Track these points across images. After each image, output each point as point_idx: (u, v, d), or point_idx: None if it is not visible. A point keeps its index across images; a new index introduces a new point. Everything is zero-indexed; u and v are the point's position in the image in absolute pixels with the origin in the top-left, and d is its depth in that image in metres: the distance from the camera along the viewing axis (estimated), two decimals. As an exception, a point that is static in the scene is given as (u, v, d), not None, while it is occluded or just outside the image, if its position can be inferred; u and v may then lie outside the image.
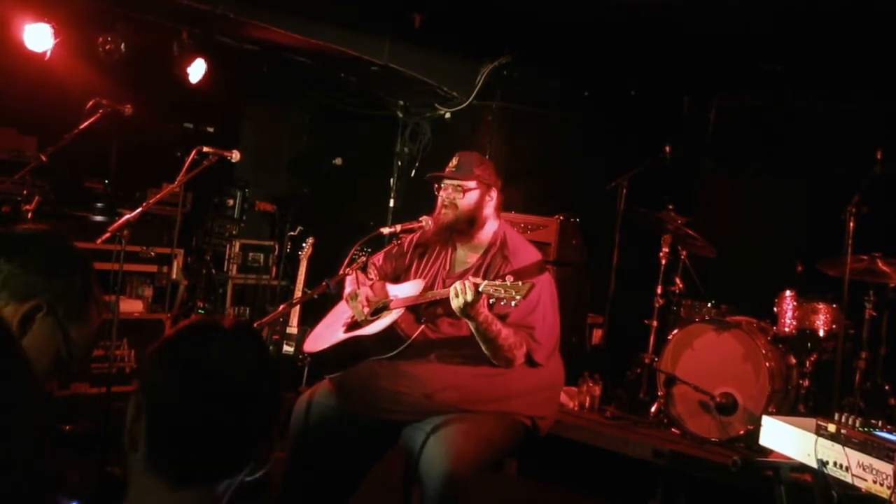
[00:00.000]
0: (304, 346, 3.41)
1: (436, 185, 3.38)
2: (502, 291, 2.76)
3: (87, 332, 1.60)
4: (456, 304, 2.86)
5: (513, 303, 2.77)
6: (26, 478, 0.87)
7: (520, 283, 2.76)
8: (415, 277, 3.38)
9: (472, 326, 2.97)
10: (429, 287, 3.26)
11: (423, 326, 3.13)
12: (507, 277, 2.82)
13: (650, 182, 5.35)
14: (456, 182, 3.28)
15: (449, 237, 3.32)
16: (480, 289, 2.82)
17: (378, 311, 3.25)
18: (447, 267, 3.34)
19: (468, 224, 3.28)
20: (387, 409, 3.11)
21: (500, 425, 3.11)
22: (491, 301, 2.89)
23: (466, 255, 3.34)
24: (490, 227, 3.32)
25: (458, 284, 2.86)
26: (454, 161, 3.34)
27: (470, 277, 2.90)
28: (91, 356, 4.55)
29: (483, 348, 3.03)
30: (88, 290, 1.61)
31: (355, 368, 3.19)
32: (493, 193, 3.32)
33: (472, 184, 3.27)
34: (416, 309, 3.17)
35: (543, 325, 3.16)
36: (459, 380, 3.10)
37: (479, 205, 3.28)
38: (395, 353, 3.11)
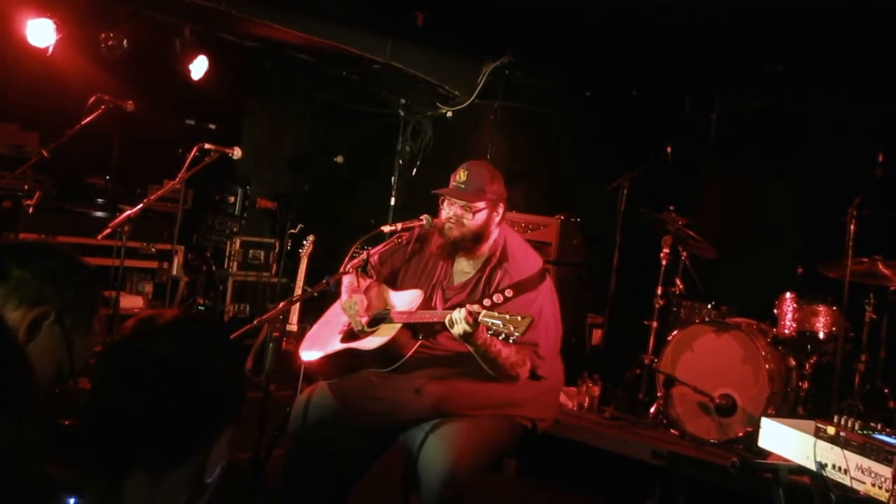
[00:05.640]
0: (299, 349, 3.38)
1: (440, 197, 3.25)
2: (501, 325, 2.70)
3: (89, 347, 1.63)
4: (454, 331, 2.84)
5: (511, 339, 2.71)
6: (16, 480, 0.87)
7: (519, 317, 2.69)
8: (412, 280, 3.33)
9: (471, 350, 2.94)
10: (428, 297, 3.21)
11: (420, 342, 3.10)
12: (507, 291, 2.80)
13: (651, 182, 5.34)
14: (465, 202, 3.15)
15: (453, 252, 3.23)
16: (479, 319, 2.77)
17: (376, 320, 3.21)
18: (446, 277, 3.28)
19: (474, 241, 3.18)
20: (386, 418, 3.10)
21: (500, 426, 3.11)
22: (490, 332, 2.82)
23: (466, 266, 3.27)
24: (492, 238, 3.23)
25: (455, 314, 2.81)
26: (462, 175, 3.15)
27: (468, 307, 2.82)
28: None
29: (485, 368, 3.00)
30: (95, 306, 1.64)
31: (352, 377, 3.19)
32: (501, 209, 3.21)
33: (482, 204, 3.14)
34: (413, 325, 3.12)
35: (547, 340, 3.12)
36: (459, 389, 3.08)
37: (487, 223, 3.17)
38: (392, 368, 3.10)
